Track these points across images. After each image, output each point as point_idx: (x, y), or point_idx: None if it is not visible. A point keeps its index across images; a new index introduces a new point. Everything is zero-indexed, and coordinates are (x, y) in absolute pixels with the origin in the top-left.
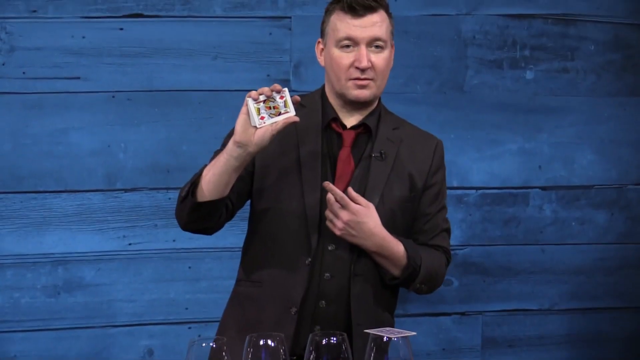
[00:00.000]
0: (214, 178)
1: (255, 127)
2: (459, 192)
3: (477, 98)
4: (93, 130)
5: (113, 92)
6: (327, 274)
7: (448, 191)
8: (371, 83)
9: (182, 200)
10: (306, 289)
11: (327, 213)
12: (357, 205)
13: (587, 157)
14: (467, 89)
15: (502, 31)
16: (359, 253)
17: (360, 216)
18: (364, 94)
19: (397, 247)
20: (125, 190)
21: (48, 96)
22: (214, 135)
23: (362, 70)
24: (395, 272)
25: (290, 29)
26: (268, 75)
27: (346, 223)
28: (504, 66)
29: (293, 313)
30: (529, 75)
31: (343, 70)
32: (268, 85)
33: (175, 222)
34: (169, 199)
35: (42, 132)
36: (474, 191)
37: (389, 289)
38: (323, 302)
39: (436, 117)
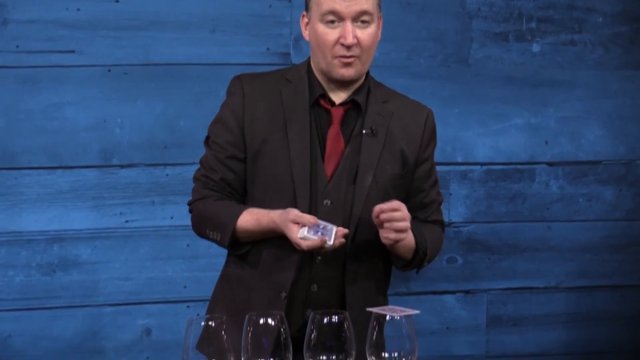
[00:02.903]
0: (251, 238)
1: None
2: (463, 167)
3: (482, 72)
4: (88, 105)
5: (109, 66)
6: (319, 258)
7: (452, 167)
8: (356, 61)
9: (204, 233)
10: (297, 273)
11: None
12: (399, 211)
13: (595, 131)
14: (471, 62)
15: (507, 3)
16: (352, 236)
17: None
18: (349, 72)
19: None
20: (122, 167)
21: (42, 70)
22: (212, 110)
23: (348, 47)
24: (408, 256)
25: (290, 1)
26: (268, 49)
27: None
28: (510, 39)
29: (283, 297)
30: (535, 48)
31: (328, 47)
32: (266, 59)
33: (173, 199)
34: (167, 175)
35: (36, 107)
36: (478, 167)
37: (382, 271)
38: (315, 286)
39: (440, 91)
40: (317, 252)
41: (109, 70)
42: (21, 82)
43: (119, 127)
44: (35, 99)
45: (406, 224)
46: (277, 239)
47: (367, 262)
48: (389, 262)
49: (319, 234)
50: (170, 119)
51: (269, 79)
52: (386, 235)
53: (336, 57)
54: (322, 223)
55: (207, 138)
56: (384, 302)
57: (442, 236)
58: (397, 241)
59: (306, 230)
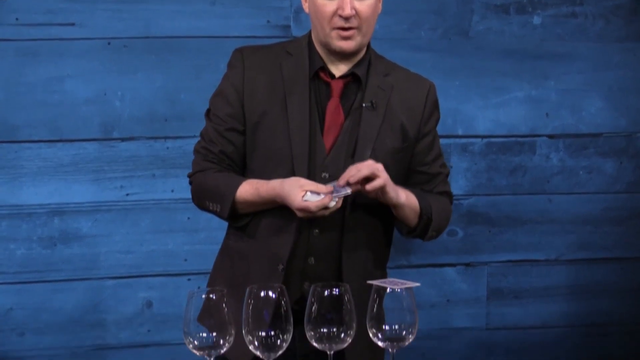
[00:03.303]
0: (250, 208)
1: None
2: (464, 140)
3: (483, 44)
4: (88, 78)
5: (109, 38)
6: (316, 230)
7: (452, 140)
8: (355, 33)
9: (204, 205)
10: (294, 245)
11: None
12: (369, 161)
13: (596, 104)
14: (472, 34)
15: None
16: (350, 208)
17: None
18: (348, 45)
19: (411, 195)
20: (122, 140)
21: (42, 43)
22: (213, 83)
23: (346, 19)
24: (413, 222)
25: None
26: (268, 22)
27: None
28: (511, 11)
29: (280, 270)
30: (536, 20)
31: (326, 18)
32: (267, 31)
33: (174, 172)
34: (167, 148)
35: (36, 80)
36: (479, 140)
37: (380, 244)
38: (312, 258)
39: (441, 64)
40: (317, 221)
41: (109, 43)
42: (21, 55)
43: (119, 100)
44: (35, 72)
45: (363, 171)
46: (275, 210)
47: (364, 235)
48: (388, 235)
49: (322, 196)
50: (170, 92)
51: (270, 52)
52: (363, 189)
53: (334, 28)
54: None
55: (208, 110)
56: (382, 276)
57: (449, 207)
58: (375, 189)
59: (309, 193)
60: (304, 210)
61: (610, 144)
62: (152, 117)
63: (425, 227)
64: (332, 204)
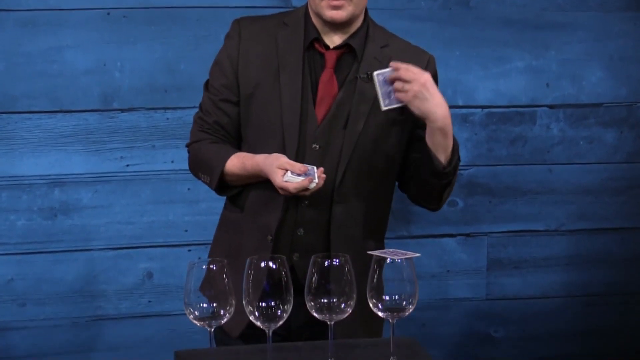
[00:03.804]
0: (239, 181)
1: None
2: (464, 111)
3: (483, 14)
4: (88, 49)
5: (108, 9)
6: (305, 202)
7: (453, 110)
8: (346, 3)
9: (197, 176)
10: (282, 216)
11: (402, 74)
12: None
13: (596, 74)
14: (473, 4)
15: None
16: (340, 179)
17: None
18: (339, 15)
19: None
20: (122, 110)
21: (41, 13)
22: (213, 53)
23: None
24: (445, 158)
25: None
26: None
27: (423, 84)
28: None
29: (269, 241)
30: None
31: None
32: (267, 2)
33: (174, 142)
34: (167, 119)
35: (35, 51)
36: (479, 110)
37: (371, 216)
38: (301, 230)
39: (441, 34)
40: (303, 196)
41: (108, 14)
42: (20, 26)
43: (119, 71)
44: (34, 42)
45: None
46: (266, 181)
47: (354, 207)
48: (383, 206)
49: (303, 176)
50: (170, 63)
51: (267, 23)
52: (399, 89)
53: None
54: (307, 168)
55: (207, 81)
56: (376, 247)
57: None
58: (415, 90)
59: (290, 173)
60: (284, 189)
61: (610, 114)
62: (152, 88)
63: (454, 169)
64: (312, 185)
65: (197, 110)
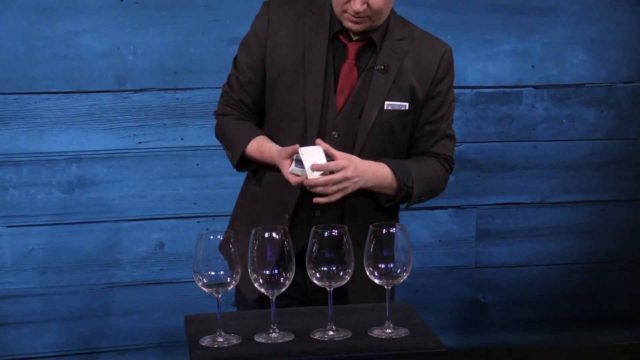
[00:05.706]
0: (257, 163)
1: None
2: (455, 91)
3: (473, 0)
4: (102, 33)
5: None
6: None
7: None
8: (366, 19)
9: (224, 150)
10: (300, 196)
11: (332, 189)
12: (341, 161)
13: (578, 56)
14: None
15: None
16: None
17: (351, 165)
18: (358, 27)
19: (383, 168)
20: (135, 91)
21: (59, 0)
22: (219, 37)
23: (356, 13)
24: (390, 192)
25: None
26: None
27: (350, 179)
28: None
29: (286, 219)
30: None
31: (339, 3)
32: None
33: (183, 121)
34: (177, 99)
35: (53, 35)
36: (469, 90)
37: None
38: (318, 211)
39: (433, 19)
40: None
41: (122, 0)
42: (39, 12)
43: (132, 54)
44: (52, 27)
45: (338, 184)
46: None
47: (366, 194)
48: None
49: (305, 168)
50: (180, 46)
51: (295, 8)
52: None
53: (345, 12)
54: (305, 150)
55: (235, 57)
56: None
57: (440, 173)
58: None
59: (294, 165)
60: (288, 180)
61: (591, 93)
62: (163, 70)
63: (405, 198)
64: (312, 175)
65: (205, 91)
